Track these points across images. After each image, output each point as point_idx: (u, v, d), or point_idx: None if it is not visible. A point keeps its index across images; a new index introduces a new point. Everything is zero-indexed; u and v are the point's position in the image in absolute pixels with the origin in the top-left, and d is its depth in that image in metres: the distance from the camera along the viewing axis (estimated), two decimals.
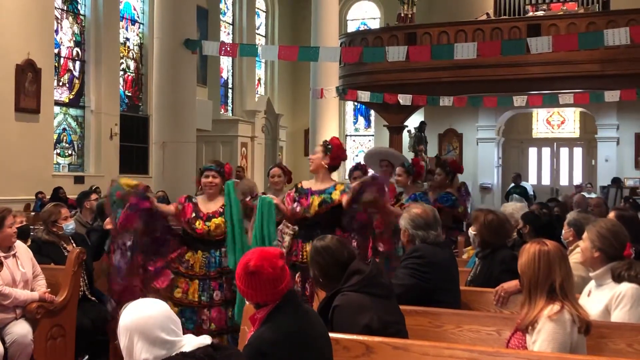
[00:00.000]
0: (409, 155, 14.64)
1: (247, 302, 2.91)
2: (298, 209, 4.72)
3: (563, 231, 4.56)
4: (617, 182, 14.90)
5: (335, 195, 4.69)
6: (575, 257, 3.86)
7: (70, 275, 4.63)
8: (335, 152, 4.83)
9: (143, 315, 2.08)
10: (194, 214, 4.66)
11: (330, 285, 3.12)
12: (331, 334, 2.75)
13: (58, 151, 13.17)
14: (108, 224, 5.13)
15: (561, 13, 15.35)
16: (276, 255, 2.55)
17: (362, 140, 21.59)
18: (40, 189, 11.15)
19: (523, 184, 14.78)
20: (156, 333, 2.05)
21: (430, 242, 3.66)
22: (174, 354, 2.05)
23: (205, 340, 2.15)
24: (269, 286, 2.50)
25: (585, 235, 3.37)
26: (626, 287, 3.11)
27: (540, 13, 15.93)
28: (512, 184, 14.52)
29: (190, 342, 2.12)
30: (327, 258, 3.12)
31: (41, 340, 4.42)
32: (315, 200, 4.69)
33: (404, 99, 13.70)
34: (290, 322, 2.52)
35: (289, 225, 4.86)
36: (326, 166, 4.82)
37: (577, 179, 18.38)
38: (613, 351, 2.92)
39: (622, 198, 14.33)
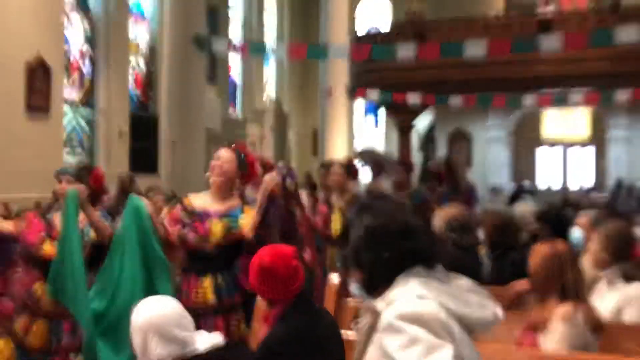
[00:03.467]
0: (417, 155, 14.63)
1: (259, 299, 2.92)
2: (191, 236, 3.44)
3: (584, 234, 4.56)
4: (623, 182, 14.76)
5: (244, 220, 3.49)
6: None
7: None
8: (249, 170, 3.79)
9: (157, 314, 2.10)
10: (43, 233, 3.57)
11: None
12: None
13: (68, 150, 13.22)
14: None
15: (572, 11, 15.26)
16: (290, 255, 2.56)
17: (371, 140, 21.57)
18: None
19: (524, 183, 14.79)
20: (171, 330, 2.07)
21: (460, 246, 3.51)
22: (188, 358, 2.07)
23: (218, 339, 2.16)
24: (281, 285, 2.52)
25: (594, 236, 3.38)
26: (637, 287, 3.11)
27: (551, 9, 15.85)
28: (517, 187, 14.51)
29: (203, 340, 2.13)
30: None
31: None
32: (216, 226, 3.47)
33: (413, 98, 13.66)
34: (303, 322, 2.53)
35: None
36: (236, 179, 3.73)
37: (588, 179, 18.30)
38: (623, 351, 2.90)
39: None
